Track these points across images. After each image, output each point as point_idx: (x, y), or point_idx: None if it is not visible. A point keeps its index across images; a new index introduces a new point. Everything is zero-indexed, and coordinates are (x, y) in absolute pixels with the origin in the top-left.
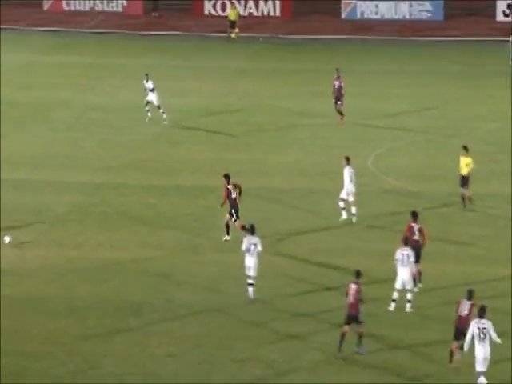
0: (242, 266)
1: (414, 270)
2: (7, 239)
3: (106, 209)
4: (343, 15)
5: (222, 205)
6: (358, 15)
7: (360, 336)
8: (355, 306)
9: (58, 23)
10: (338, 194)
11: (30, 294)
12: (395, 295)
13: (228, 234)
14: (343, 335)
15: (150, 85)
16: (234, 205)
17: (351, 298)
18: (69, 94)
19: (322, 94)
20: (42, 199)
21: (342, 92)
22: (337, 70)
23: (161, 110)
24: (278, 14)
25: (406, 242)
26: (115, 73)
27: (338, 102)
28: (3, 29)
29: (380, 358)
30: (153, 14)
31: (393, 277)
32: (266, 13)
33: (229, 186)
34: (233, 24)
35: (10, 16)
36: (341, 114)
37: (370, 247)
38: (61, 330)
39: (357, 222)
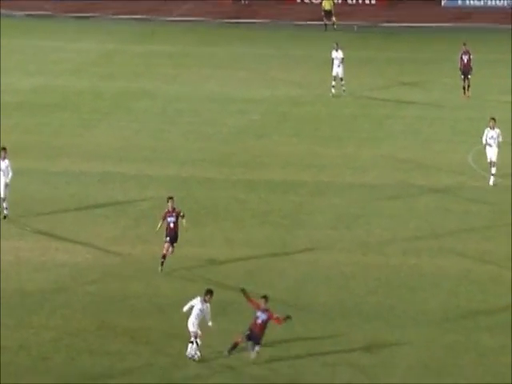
0: (332, 265)
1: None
2: None
3: (192, 204)
4: (443, 2)
5: (157, 229)
6: (459, 2)
7: None
8: None
9: (145, 11)
10: (434, 191)
11: (113, 292)
12: None
13: (162, 265)
14: None
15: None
16: (171, 232)
17: None
18: (154, 83)
19: (419, 85)
20: (127, 193)
21: (471, 65)
22: (464, 44)
23: (342, 82)
24: (373, 1)
25: None
26: (202, 62)
27: (469, 77)
28: (90, 17)
29: None
30: (242, 1)
31: (493, 278)
32: (360, 0)
33: (169, 208)
34: (328, 14)
35: (96, 4)
36: (467, 88)
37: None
38: (146, 329)
39: (452, 221)
